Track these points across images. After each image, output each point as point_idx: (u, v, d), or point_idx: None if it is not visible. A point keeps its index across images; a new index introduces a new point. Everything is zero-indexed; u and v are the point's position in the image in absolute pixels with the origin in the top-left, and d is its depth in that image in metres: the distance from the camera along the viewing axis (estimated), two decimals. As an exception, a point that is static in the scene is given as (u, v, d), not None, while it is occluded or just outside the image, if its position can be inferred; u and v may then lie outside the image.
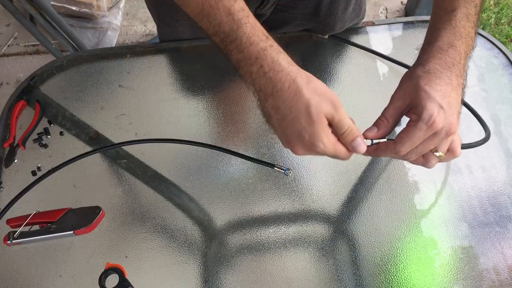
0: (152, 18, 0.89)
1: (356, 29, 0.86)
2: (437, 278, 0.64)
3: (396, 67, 0.81)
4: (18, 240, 0.64)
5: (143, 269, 0.64)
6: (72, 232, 0.65)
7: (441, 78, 0.49)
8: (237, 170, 0.72)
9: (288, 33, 0.85)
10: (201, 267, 0.64)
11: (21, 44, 1.79)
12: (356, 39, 0.85)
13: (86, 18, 1.74)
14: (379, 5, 1.96)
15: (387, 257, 0.65)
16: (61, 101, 0.78)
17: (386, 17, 1.93)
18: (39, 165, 0.71)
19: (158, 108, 0.77)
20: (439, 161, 0.52)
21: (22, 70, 1.73)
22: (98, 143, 0.74)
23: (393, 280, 0.63)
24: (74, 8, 1.68)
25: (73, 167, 0.71)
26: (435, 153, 0.51)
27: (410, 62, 0.54)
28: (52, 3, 1.60)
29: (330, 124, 0.48)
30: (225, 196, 0.69)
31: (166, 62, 0.83)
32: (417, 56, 0.54)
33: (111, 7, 1.79)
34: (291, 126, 0.47)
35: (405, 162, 0.73)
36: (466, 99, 0.76)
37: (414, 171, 0.72)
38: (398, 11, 1.95)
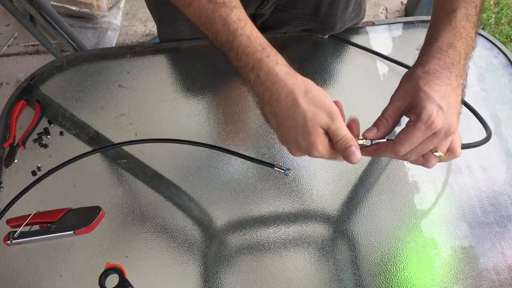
0: (152, 18, 0.89)
1: (356, 29, 0.86)
2: (437, 278, 0.64)
3: (396, 67, 0.81)
4: (18, 240, 0.64)
5: (143, 269, 0.64)
6: (72, 232, 0.65)
7: (440, 79, 0.49)
8: (237, 170, 0.72)
9: (288, 33, 0.85)
10: (201, 267, 0.64)
11: (21, 44, 1.79)
12: (356, 39, 0.85)
13: (86, 18, 1.74)
14: (379, 5, 1.96)
15: (387, 257, 0.65)
16: (61, 101, 0.78)
17: (386, 17, 1.93)
18: (39, 165, 0.71)
19: (158, 108, 0.77)
20: (439, 161, 0.52)
21: (22, 70, 1.73)
22: (98, 143, 0.74)
23: (393, 280, 0.63)
24: (74, 8, 1.68)
25: (73, 167, 0.71)
26: (434, 153, 0.51)
27: (410, 62, 0.54)
28: (52, 3, 1.60)
29: (327, 133, 0.49)
30: (225, 196, 0.69)
31: (166, 62, 0.83)
32: (417, 56, 0.54)
33: (111, 7, 1.79)
34: (288, 132, 0.49)
35: (405, 162, 0.73)
36: (467, 99, 0.76)
37: (414, 171, 0.72)
38: (398, 11, 1.95)
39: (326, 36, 0.84)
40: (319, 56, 0.83)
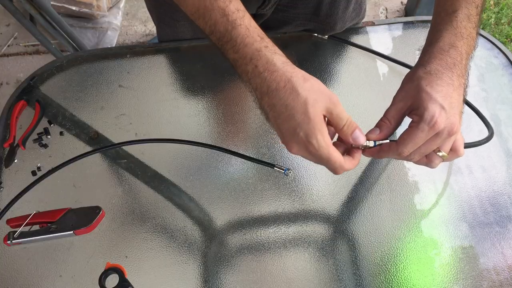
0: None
1: (356, 29, 0.86)
2: (437, 278, 0.64)
3: (396, 67, 0.81)
4: (18, 240, 0.64)
5: (143, 269, 0.64)
6: (72, 232, 0.65)
7: (442, 79, 0.49)
8: (237, 170, 0.72)
9: (288, 33, 0.85)
10: (201, 267, 0.64)
11: (21, 44, 1.79)
12: (356, 39, 0.85)
13: (86, 18, 1.74)
14: (379, 5, 1.96)
15: (387, 257, 0.65)
16: (61, 101, 0.78)
17: (386, 17, 1.93)
18: (39, 165, 0.71)
19: (158, 108, 0.77)
20: (442, 161, 0.52)
21: (22, 70, 1.73)
22: (98, 143, 0.74)
23: (393, 280, 0.63)
24: (74, 8, 1.68)
25: (73, 167, 0.71)
26: (438, 153, 0.51)
27: (410, 62, 0.54)
28: (52, 3, 1.60)
29: (328, 123, 0.48)
30: (225, 196, 0.69)
31: (166, 62, 0.83)
32: (418, 56, 0.54)
33: (111, 7, 1.79)
34: (286, 123, 0.47)
35: (405, 162, 0.73)
36: (467, 99, 0.76)
37: (414, 171, 0.72)
38: (398, 11, 1.95)
39: (326, 36, 0.84)
40: (319, 56, 0.83)
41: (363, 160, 0.73)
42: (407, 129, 0.49)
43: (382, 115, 0.53)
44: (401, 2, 1.96)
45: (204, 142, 0.73)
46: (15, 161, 0.72)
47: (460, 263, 0.65)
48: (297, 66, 0.48)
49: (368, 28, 0.87)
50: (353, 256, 0.65)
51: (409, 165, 0.73)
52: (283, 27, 0.84)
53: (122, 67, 0.81)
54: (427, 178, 0.71)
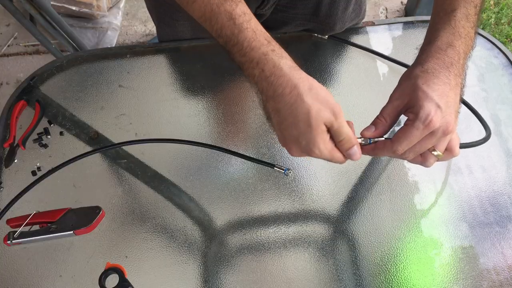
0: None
1: (356, 29, 0.86)
2: (437, 278, 0.64)
3: (396, 67, 0.81)
4: (18, 240, 0.64)
5: (143, 269, 0.64)
6: (72, 232, 0.65)
7: (439, 78, 0.49)
8: (237, 170, 0.72)
9: (288, 33, 0.85)
10: (201, 267, 0.64)
11: (21, 44, 1.79)
12: (356, 39, 0.85)
13: (86, 18, 1.74)
14: (379, 5, 1.96)
15: (387, 257, 0.65)
16: (61, 101, 0.78)
17: (386, 17, 1.93)
18: (39, 165, 0.71)
19: (158, 108, 0.77)
20: (437, 160, 0.52)
21: (22, 70, 1.73)
22: (98, 143, 0.74)
23: (393, 280, 0.63)
24: (74, 8, 1.68)
25: (73, 167, 0.71)
26: (433, 152, 0.51)
27: (410, 62, 0.54)
28: (52, 3, 1.60)
29: (329, 130, 0.49)
30: (225, 196, 0.69)
31: (166, 62, 0.83)
32: (416, 56, 0.54)
33: (111, 7, 1.79)
34: (290, 129, 0.48)
35: (405, 162, 0.73)
36: (467, 99, 0.76)
37: (414, 171, 0.72)
38: (398, 11, 1.95)
39: (326, 36, 0.84)
40: (319, 56, 0.83)
41: (363, 160, 0.73)
42: (402, 127, 0.49)
43: None
44: (401, 2, 1.96)
45: (204, 142, 0.73)
46: (15, 161, 0.72)
47: (460, 263, 0.65)
48: (303, 69, 0.49)
49: (368, 28, 0.87)
50: (353, 256, 0.65)
51: (409, 165, 0.73)
52: (283, 27, 0.84)
53: (122, 67, 0.81)
54: (427, 178, 0.71)
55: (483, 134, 0.71)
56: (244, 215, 0.68)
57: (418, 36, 0.86)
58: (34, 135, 0.74)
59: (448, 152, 0.52)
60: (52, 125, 0.75)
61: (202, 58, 0.82)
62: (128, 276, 0.62)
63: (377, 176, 0.72)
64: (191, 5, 0.50)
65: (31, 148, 0.73)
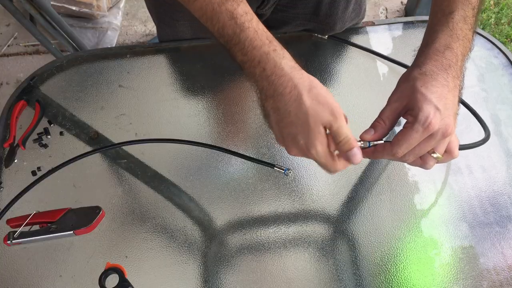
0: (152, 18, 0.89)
1: (356, 29, 0.86)
2: (437, 278, 0.64)
3: (396, 67, 0.81)
4: (18, 240, 0.64)
5: (143, 269, 0.64)
6: (72, 232, 0.65)
7: (437, 80, 0.49)
8: (237, 170, 0.72)
9: (288, 33, 0.85)
10: (201, 267, 0.64)
11: (21, 44, 1.79)
12: (356, 39, 0.85)
13: (86, 18, 1.74)
14: (379, 5, 1.96)
15: (387, 257, 0.65)
16: (61, 101, 0.78)
17: (386, 17, 1.93)
18: (39, 165, 0.71)
19: (158, 108, 0.77)
20: (437, 162, 0.52)
21: (22, 70, 1.73)
22: (98, 143, 0.74)
23: (393, 280, 0.63)
24: (74, 8, 1.68)
25: (73, 167, 0.71)
26: (432, 155, 0.51)
27: (410, 62, 0.54)
28: (52, 3, 1.60)
29: (329, 133, 0.48)
30: (225, 196, 0.69)
31: (166, 62, 0.83)
32: (414, 58, 0.54)
33: (111, 7, 1.79)
34: (288, 128, 0.48)
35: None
36: (466, 100, 0.76)
37: (414, 171, 0.72)
38: (398, 11, 1.95)
39: (326, 36, 0.84)
40: (319, 56, 0.83)
41: (363, 161, 0.72)
42: (401, 130, 0.49)
43: None
44: (401, 2, 1.96)
45: (204, 142, 0.73)
46: (15, 161, 0.72)
47: (460, 263, 0.65)
48: (305, 70, 0.48)
49: (368, 28, 0.87)
50: (353, 256, 0.65)
51: (409, 165, 0.73)
52: (283, 27, 0.84)
53: (122, 67, 0.81)
54: (427, 178, 0.71)
55: (482, 134, 0.71)
56: (244, 215, 0.68)
57: (418, 36, 0.86)
58: (34, 135, 0.74)
59: (448, 154, 0.52)
60: (52, 125, 0.75)
61: (202, 58, 0.82)
62: (128, 276, 0.62)
63: (377, 176, 0.72)
64: (192, 4, 0.50)
65: (31, 148, 0.73)
